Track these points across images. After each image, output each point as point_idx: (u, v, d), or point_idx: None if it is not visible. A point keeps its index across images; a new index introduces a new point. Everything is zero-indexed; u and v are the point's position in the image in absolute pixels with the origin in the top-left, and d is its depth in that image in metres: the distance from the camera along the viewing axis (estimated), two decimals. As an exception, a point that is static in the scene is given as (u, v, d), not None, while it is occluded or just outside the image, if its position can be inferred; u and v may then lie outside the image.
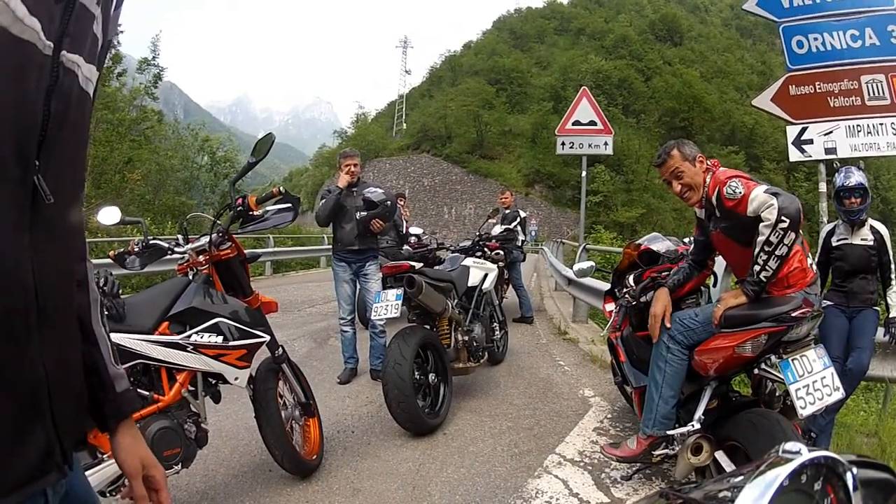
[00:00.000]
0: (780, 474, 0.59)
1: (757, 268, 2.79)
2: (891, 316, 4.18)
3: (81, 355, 0.98)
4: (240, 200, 3.25)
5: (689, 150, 3.19)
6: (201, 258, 3.18)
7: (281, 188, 3.35)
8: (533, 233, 45.04)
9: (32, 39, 0.75)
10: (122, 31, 25.00)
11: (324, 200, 5.65)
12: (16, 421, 0.78)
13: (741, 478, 0.61)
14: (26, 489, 0.79)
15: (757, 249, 2.76)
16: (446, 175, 65.03)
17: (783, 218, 2.64)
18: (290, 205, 3.33)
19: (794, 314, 2.73)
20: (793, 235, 2.66)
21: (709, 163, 3.17)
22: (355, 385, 5.66)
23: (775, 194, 2.72)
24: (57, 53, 0.80)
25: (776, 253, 2.70)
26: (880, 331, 4.21)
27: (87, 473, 2.28)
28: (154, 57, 28.46)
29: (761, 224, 2.73)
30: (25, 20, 0.73)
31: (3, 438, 0.76)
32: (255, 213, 3.28)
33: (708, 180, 3.10)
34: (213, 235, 3.16)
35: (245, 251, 3.41)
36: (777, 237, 2.67)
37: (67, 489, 0.92)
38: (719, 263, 3.86)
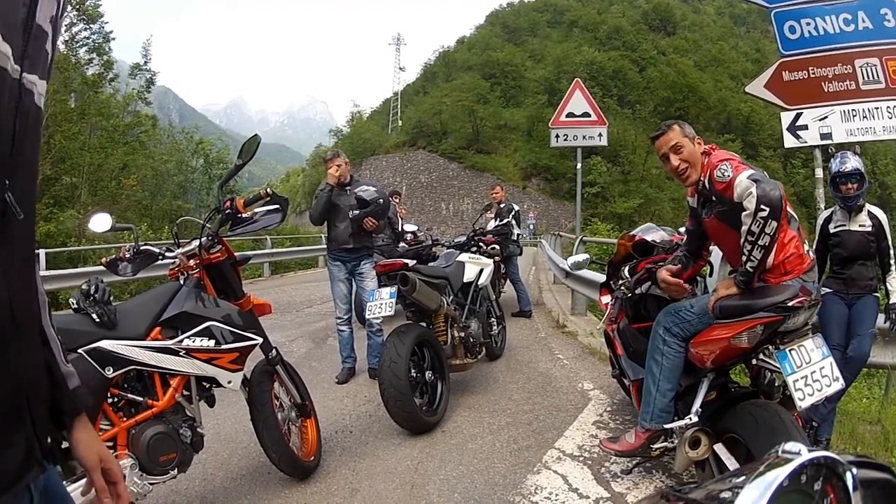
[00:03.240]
0: (779, 475, 0.58)
1: (743, 258, 2.73)
2: (891, 302, 4.13)
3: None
4: (228, 203, 3.22)
5: (688, 129, 3.14)
6: (192, 262, 3.16)
7: (268, 189, 3.32)
8: (531, 226, 45.19)
9: (4, 65, 0.79)
10: (113, 38, 25.06)
11: (316, 199, 5.64)
12: (3, 424, 0.84)
13: (742, 478, 0.61)
14: (17, 485, 0.86)
15: (742, 239, 2.71)
16: (443, 171, 65.35)
17: (762, 207, 2.57)
18: (277, 206, 3.30)
19: (790, 303, 2.69)
20: (774, 224, 2.58)
21: (706, 146, 3.13)
22: (353, 384, 5.65)
23: (756, 181, 2.64)
24: (20, 75, 0.83)
25: (759, 243, 2.64)
26: (881, 317, 4.18)
27: (83, 481, 2.28)
28: (146, 62, 28.56)
29: (743, 213, 2.67)
30: (1, 47, 0.77)
31: (5, 433, 0.83)
32: (244, 215, 3.25)
33: (704, 163, 3.07)
34: (203, 239, 3.14)
35: (236, 254, 3.39)
36: (758, 227, 2.60)
37: (45, 483, 0.97)
38: (716, 253, 3.83)
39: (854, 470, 0.64)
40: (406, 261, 4.75)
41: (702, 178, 3.04)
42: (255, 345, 3.13)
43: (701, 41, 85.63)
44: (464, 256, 5.72)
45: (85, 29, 24.02)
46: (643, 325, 3.65)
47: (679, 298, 3.30)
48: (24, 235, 0.91)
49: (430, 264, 5.77)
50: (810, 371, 2.72)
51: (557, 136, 10.91)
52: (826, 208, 4.68)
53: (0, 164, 0.81)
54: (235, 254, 3.38)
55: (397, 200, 9.22)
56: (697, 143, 3.11)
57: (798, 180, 54.61)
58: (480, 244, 6.65)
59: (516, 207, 9.23)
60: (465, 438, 4.24)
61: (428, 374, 4.59)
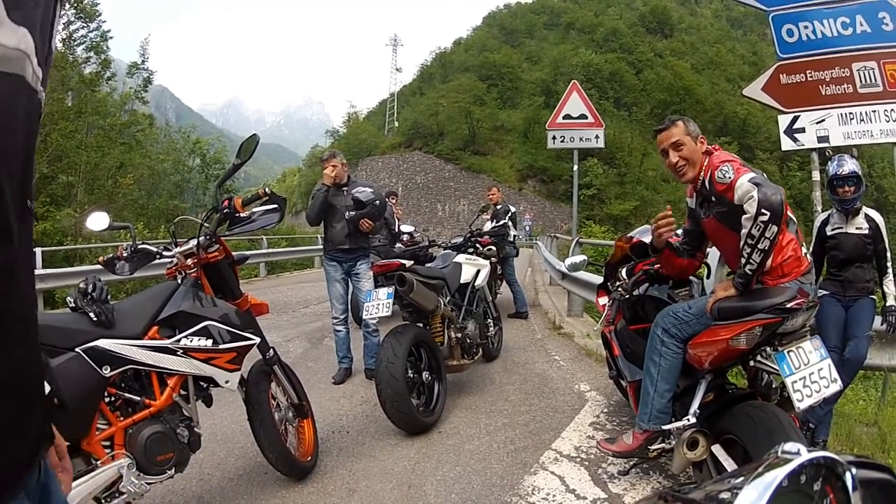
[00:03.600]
0: (778, 475, 0.58)
1: (742, 260, 2.74)
2: (888, 304, 4.15)
3: None
4: (226, 202, 3.21)
5: (693, 127, 3.13)
6: (189, 261, 3.15)
7: (266, 189, 3.31)
8: (527, 228, 45.15)
9: (37, 87, 0.83)
10: (111, 37, 24.97)
11: (312, 200, 5.63)
12: (28, 401, 0.89)
13: (741, 479, 0.61)
14: (38, 456, 0.91)
15: (741, 242, 2.72)
16: (439, 172, 65.30)
17: (763, 211, 2.58)
18: (276, 205, 3.29)
19: (788, 305, 2.69)
20: (774, 229, 2.60)
21: (710, 146, 3.13)
22: (350, 385, 5.63)
23: (758, 185, 2.65)
24: (41, 95, 0.87)
25: (759, 246, 2.65)
26: (878, 319, 4.19)
27: (81, 480, 2.28)
28: (143, 61, 28.43)
29: (743, 216, 2.68)
30: (37, 71, 0.81)
31: (23, 423, 0.87)
32: (242, 214, 3.23)
33: (705, 163, 3.06)
34: (201, 238, 3.13)
35: (234, 253, 3.38)
36: (758, 230, 2.61)
37: (44, 466, 1.02)
38: (713, 255, 3.83)
39: (854, 470, 0.63)
40: (403, 261, 4.74)
41: (702, 178, 3.04)
42: (253, 345, 3.12)
43: (698, 44, 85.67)
44: (461, 257, 5.71)
45: (83, 27, 23.91)
46: (640, 327, 3.65)
47: (660, 235, 3.28)
48: (31, 236, 0.94)
49: (427, 265, 5.76)
50: (809, 372, 2.73)
51: (554, 138, 10.91)
52: (823, 211, 4.69)
53: (26, 174, 0.84)
54: (233, 253, 3.38)
55: (394, 201, 9.22)
56: (700, 142, 3.10)
57: (794, 183, 54.56)
58: (477, 245, 6.65)
59: (513, 209, 9.21)
60: (462, 439, 4.23)
61: (425, 375, 4.58)
